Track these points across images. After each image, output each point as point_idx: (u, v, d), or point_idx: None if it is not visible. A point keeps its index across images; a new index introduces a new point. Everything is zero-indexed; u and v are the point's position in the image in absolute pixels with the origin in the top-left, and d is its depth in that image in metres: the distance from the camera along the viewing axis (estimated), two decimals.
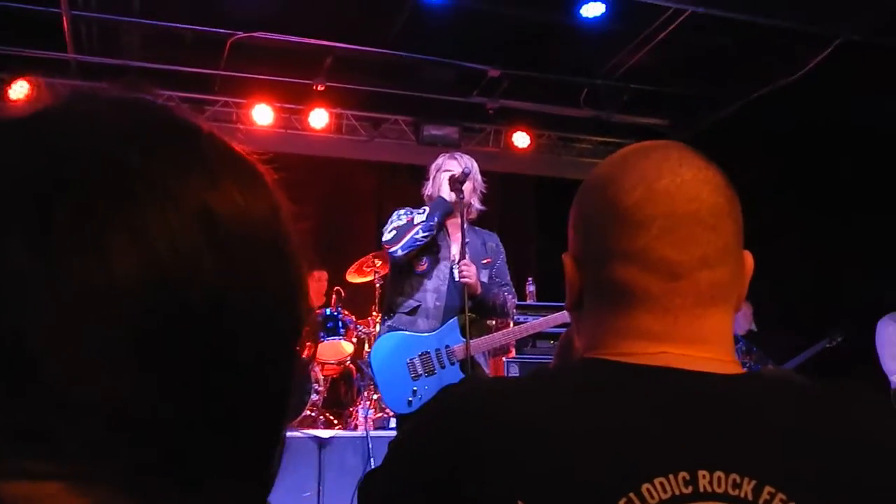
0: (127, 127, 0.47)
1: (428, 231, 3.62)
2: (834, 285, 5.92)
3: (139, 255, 0.42)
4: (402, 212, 3.78)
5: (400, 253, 3.63)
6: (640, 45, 5.98)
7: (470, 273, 3.52)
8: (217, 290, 0.44)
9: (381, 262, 5.53)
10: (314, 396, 5.30)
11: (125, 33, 5.95)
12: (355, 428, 5.03)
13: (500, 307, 3.77)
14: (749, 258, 0.91)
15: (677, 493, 0.72)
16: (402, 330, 3.70)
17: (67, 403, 0.40)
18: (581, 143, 7.94)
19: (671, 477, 0.73)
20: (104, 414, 0.41)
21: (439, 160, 3.82)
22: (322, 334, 5.50)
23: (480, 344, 3.70)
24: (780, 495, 0.73)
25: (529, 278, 5.91)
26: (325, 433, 4.49)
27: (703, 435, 0.76)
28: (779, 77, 6.09)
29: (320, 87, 6.53)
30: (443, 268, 3.71)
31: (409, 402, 3.59)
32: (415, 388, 3.60)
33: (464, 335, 3.56)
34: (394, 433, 4.45)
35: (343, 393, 6.07)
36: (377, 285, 5.70)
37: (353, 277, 5.84)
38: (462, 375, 3.57)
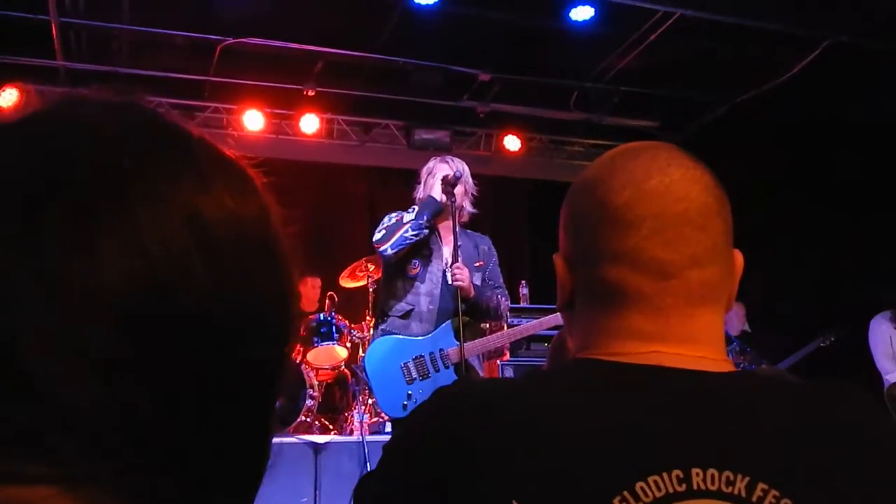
0: (118, 130, 0.47)
1: (417, 229, 3.61)
2: (825, 285, 5.95)
3: (130, 257, 0.42)
4: (393, 215, 3.78)
5: (390, 251, 3.62)
6: (630, 48, 6.01)
7: (462, 276, 3.52)
8: (207, 293, 0.45)
9: (374, 267, 5.52)
10: (309, 402, 5.29)
11: (114, 40, 5.94)
12: (351, 433, 5.02)
13: (493, 310, 3.77)
14: (739, 257, 0.91)
15: (671, 490, 0.72)
16: (396, 334, 3.70)
17: (58, 406, 0.40)
18: (572, 145, 7.96)
19: (665, 475, 0.73)
20: (95, 416, 0.41)
21: (430, 164, 3.83)
22: (316, 339, 5.49)
23: (475, 347, 3.70)
24: (774, 492, 0.73)
25: (523, 281, 5.92)
26: (320, 438, 4.48)
27: (697, 433, 0.77)
28: (767, 79, 6.12)
29: (311, 93, 6.53)
30: (435, 271, 3.71)
31: (405, 406, 3.58)
32: (409, 392, 3.60)
33: (458, 338, 3.56)
34: (391, 436, 4.45)
35: (338, 398, 6.06)
36: (370, 290, 5.69)
37: (346, 282, 5.83)
38: (457, 378, 3.57)
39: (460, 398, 0.84)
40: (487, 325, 4.31)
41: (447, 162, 3.77)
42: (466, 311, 3.62)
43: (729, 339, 5.71)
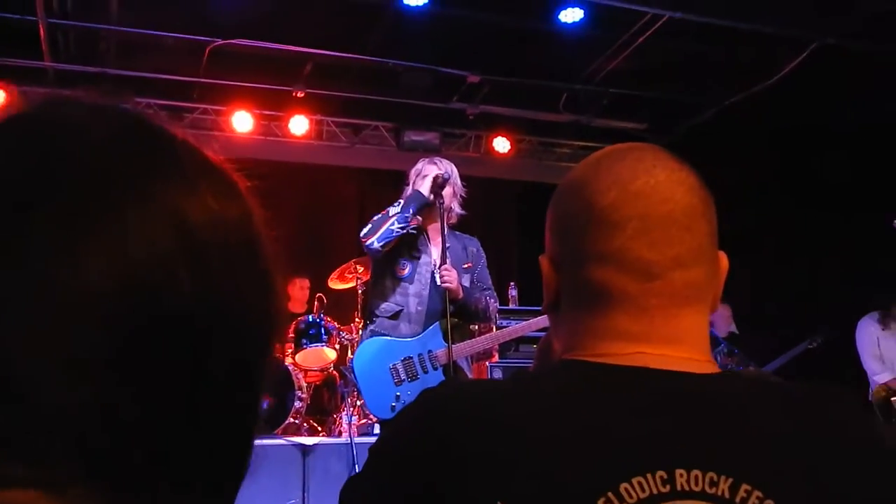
0: (102, 132, 0.47)
1: (404, 222, 3.60)
2: (813, 287, 5.98)
3: (115, 259, 0.42)
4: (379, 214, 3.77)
5: (377, 245, 3.61)
6: (619, 51, 6.03)
7: (451, 278, 3.52)
8: (191, 295, 0.45)
9: (362, 269, 5.52)
10: (297, 404, 5.28)
11: (103, 40, 5.92)
12: (339, 435, 5.01)
13: (482, 311, 3.77)
14: (724, 259, 0.92)
15: (655, 492, 0.73)
16: (385, 335, 3.69)
17: (42, 408, 0.40)
18: (561, 147, 7.98)
19: (649, 476, 0.73)
20: (79, 418, 0.41)
21: (419, 165, 3.83)
22: (305, 341, 5.48)
23: (463, 348, 3.70)
24: (757, 493, 0.73)
25: (512, 282, 5.93)
26: (309, 440, 4.47)
27: (681, 434, 0.77)
28: (755, 81, 6.15)
29: (300, 94, 6.52)
30: (424, 272, 3.71)
31: (393, 408, 3.58)
32: (398, 394, 3.60)
33: (446, 340, 3.56)
34: (377, 438, 4.44)
35: (326, 400, 6.05)
36: (359, 291, 5.68)
37: (335, 284, 5.82)
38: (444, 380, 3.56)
39: (446, 400, 0.84)
40: (476, 327, 4.31)
41: (436, 163, 3.77)
42: (455, 313, 3.61)
43: (717, 341, 5.73)
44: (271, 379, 0.53)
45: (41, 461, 0.40)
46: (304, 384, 5.47)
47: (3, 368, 0.40)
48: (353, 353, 4.83)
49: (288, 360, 5.50)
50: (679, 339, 0.85)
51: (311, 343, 5.50)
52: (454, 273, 3.56)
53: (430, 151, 6.80)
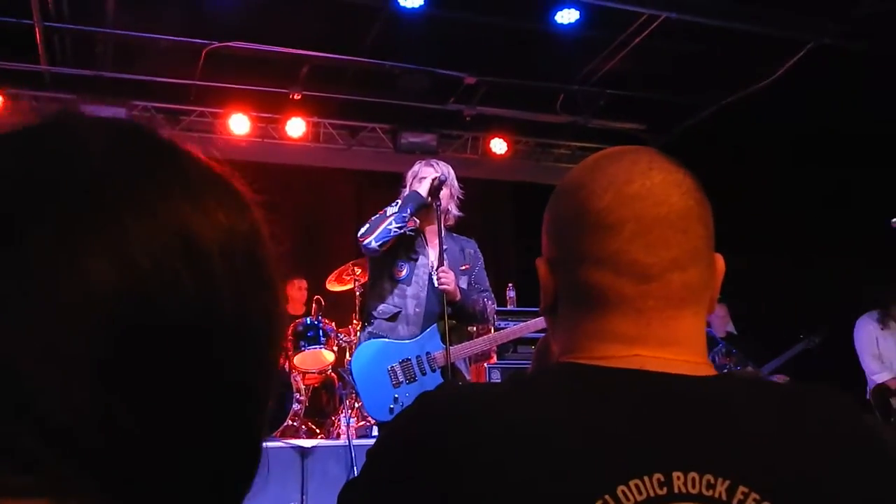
0: (110, 146, 0.48)
1: (401, 222, 3.60)
2: (811, 287, 5.98)
3: (117, 270, 0.42)
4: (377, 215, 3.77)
5: (374, 245, 3.61)
6: (616, 51, 6.04)
7: (448, 280, 3.52)
8: (195, 306, 0.45)
9: (360, 271, 5.51)
10: (296, 406, 5.27)
11: (99, 44, 5.91)
12: (338, 437, 5.01)
13: (479, 313, 3.77)
14: (720, 261, 0.92)
15: (652, 494, 0.73)
16: (383, 337, 3.69)
17: (44, 417, 0.40)
18: (558, 148, 7.98)
19: (646, 478, 0.73)
20: (81, 427, 0.41)
21: (416, 167, 3.83)
22: (303, 343, 5.48)
23: (461, 350, 3.70)
24: (754, 495, 0.73)
25: (510, 284, 5.93)
26: (307, 443, 4.47)
27: (678, 436, 0.77)
28: (752, 82, 6.16)
29: (297, 96, 6.52)
30: (422, 274, 3.71)
31: (391, 410, 3.57)
32: (396, 396, 3.60)
33: (444, 342, 3.56)
34: (374, 441, 4.44)
35: (325, 402, 6.05)
36: (357, 293, 5.68)
37: (332, 286, 5.82)
38: (443, 382, 3.57)
39: (444, 403, 0.84)
40: (474, 329, 4.31)
41: (432, 165, 3.77)
42: (453, 315, 3.61)
43: (715, 341, 5.74)
44: (276, 388, 0.53)
45: (44, 470, 0.40)
46: (303, 386, 5.47)
47: (5, 376, 0.40)
48: (351, 356, 4.84)
49: (286, 363, 5.49)
50: (676, 341, 0.85)
51: (309, 345, 5.50)
52: (451, 275, 3.56)
53: (427, 153, 6.81)
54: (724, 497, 0.73)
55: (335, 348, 5.65)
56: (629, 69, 6.29)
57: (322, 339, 5.57)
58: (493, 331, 4.32)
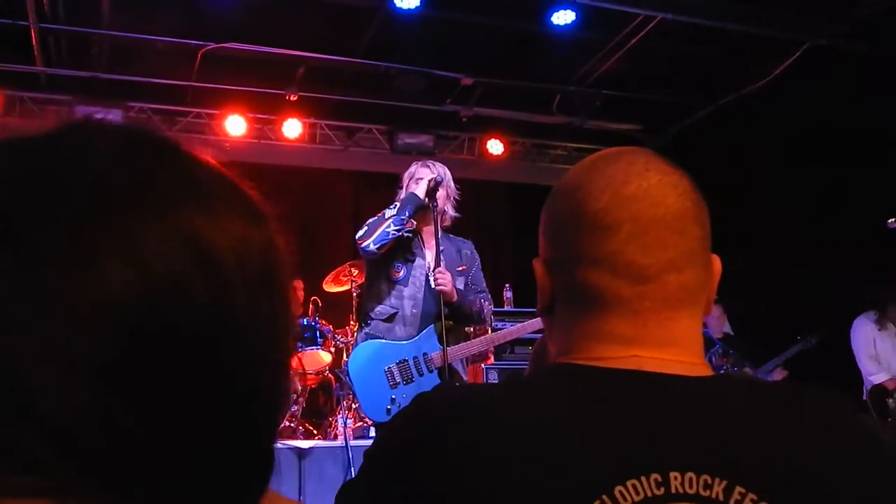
0: (122, 152, 0.48)
1: (400, 225, 3.61)
2: (808, 287, 5.99)
3: (128, 271, 0.43)
4: (375, 217, 3.78)
5: (373, 247, 3.61)
6: (612, 52, 6.04)
7: (445, 280, 3.52)
8: (208, 313, 0.45)
9: (357, 272, 5.51)
10: (293, 407, 5.27)
11: (95, 45, 5.90)
12: (335, 438, 5.00)
13: (476, 314, 3.77)
14: (717, 262, 0.92)
15: (649, 494, 0.73)
16: (380, 338, 3.69)
17: (49, 419, 0.40)
18: (555, 149, 7.99)
19: (643, 479, 0.73)
20: (86, 429, 0.41)
21: (412, 168, 3.83)
22: (300, 344, 5.48)
23: (458, 351, 3.70)
24: (751, 495, 0.74)
25: (507, 284, 5.93)
26: (304, 444, 4.46)
27: (675, 437, 0.77)
28: (748, 82, 6.17)
29: (293, 97, 6.52)
30: (418, 275, 3.71)
31: (388, 411, 3.58)
32: (393, 397, 3.60)
33: (441, 342, 3.56)
34: (372, 442, 4.43)
35: (322, 403, 6.05)
36: (354, 294, 5.68)
37: (329, 287, 5.82)
38: (440, 383, 3.57)
39: (441, 404, 0.85)
40: (471, 330, 4.31)
41: (429, 166, 3.77)
42: (450, 316, 3.62)
43: (711, 342, 5.74)
44: (288, 396, 0.54)
45: (48, 471, 0.40)
46: (300, 387, 5.47)
47: (9, 377, 0.40)
48: (348, 356, 4.84)
49: None
50: (673, 342, 0.86)
51: (306, 346, 5.50)
52: (448, 276, 3.56)
53: (423, 154, 6.82)
54: (721, 497, 0.73)
55: (332, 349, 5.65)
56: (625, 70, 6.29)
57: (319, 339, 5.57)
58: (490, 331, 4.33)
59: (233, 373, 0.47)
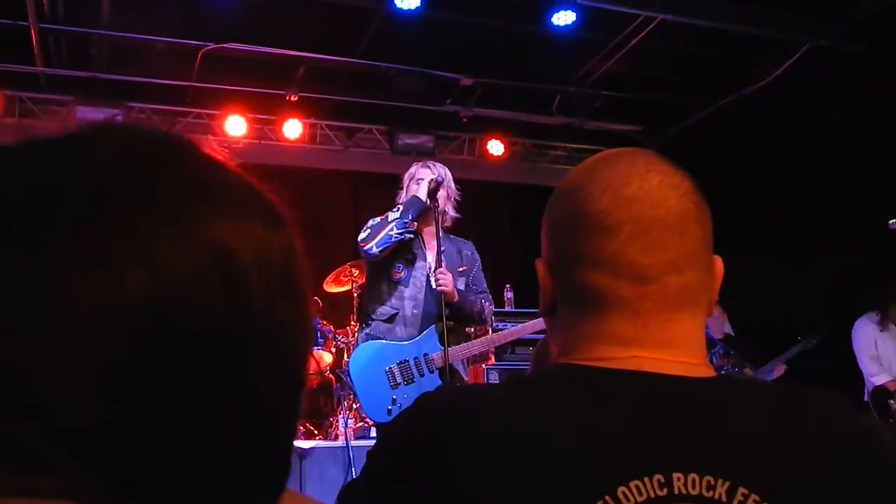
0: (140, 156, 0.48)
1: (402, 228, 3.61)
2: (808, 287, 5.99)
3: (143, 279, 0.42)
4: (377, 218, 3.78)
5: (375, 250, 3.61)
6: (612, 53, 6.04)
7: (446, 281, 3.52)
8: (226, 318, 0.45)
9: (358, 272, 5.51)
10: None
11: (95, 45, 5.90)
12: (336, 438, 5.00)
13: (477, 314, 3.78)
14: (719, 263, 0.92)
15: (652, 495, 0.73)
16: (381, 338, 3.70)
17: (66, 421, 0.40)
18: (555, 150, 7.99)
19: (646, 480, 0.73)
20: (103, 433, 0.41)
21: (412, 169, 3.83)
22: None
23: (459, 351, 3.71)
24: (754, 496, 0.74)
25: (507, 285, 5.93)
26: (305, 444, 4.46)
27: (677, 438, 0.77)
28: (748, 83, 6.17)
29: (293, 98, 6.52)
30: (419, 276, 3.71)
31: (389, 411, 3.58)
32: (394, 397, 3.60)
33: (442, 343, 3.56)
34: (374, 442, 4.44)
35: (323, 403, 6.04)
36: (355, 295, 5.68)
37: (330, 287, 5.82)
38: (441, 383, 3.57)
39: (443, 404, 0.85)
40: (472, 330, 4.31)
41: (429, 167, 3.78)
42: (450, 316, 3.62)
43: (712, 342, 5.74)
44: (306, 403, 0.54)
45: (64, 473, 0.40)
46: None
47: (27, 381, 0.40)
48: (349, 357, 4.84)
49: None
50: (674, 343, 0.86)
51: None
52: (449, 276, 3.56)
53: (423, 154, 6.82)
54: (724, 498, 0.73)
55: (333, 349, 5.65)
56: (626, 71, 6.29)
57: (320, 340, 5.57)
58: (490, 332, 4.33)
59: (246, 378, 0.46)
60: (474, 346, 3.83)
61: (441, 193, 3.66)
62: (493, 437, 0.77)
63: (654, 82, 6.59)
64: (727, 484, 0.74)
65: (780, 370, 5.85)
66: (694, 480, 0.74)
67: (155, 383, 0.43)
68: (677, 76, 6.44)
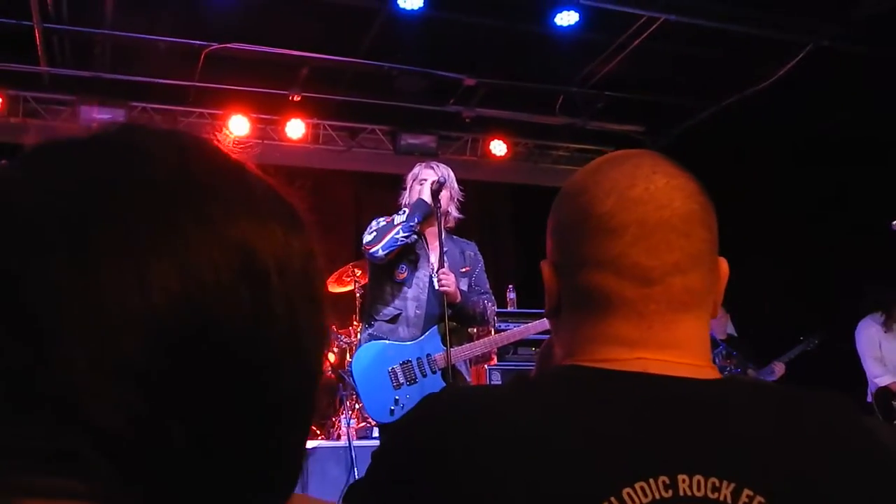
0: (172, 158, 0.48)
1: (408, 231, 3.62)
2: (811, 288, 5.99)
3: (178, 282, 0.43)
4: (381, 219, 3.78)
5: (381, 253, 3.62)
6: (614, 53, 6.04)
7: (448, 281, 3.53)
8: (251, 321, 0.45)
9: (360, 272, 5.51)
10: None
11: (98, 45, 5.91)
12: (338, 438, 5.01)
13: (479, 315, 3.77)
14: (724, 265, 0.92)
15: (657, 497, 0.73)
16: (383, 338, 3.70)
17: (96, 424, 0.41)
18: (557, 150, 7.98)
19: (651, 481, 0.73)
20: (131, 436, 0.41)
21: (415, 169, 3.84)
22: None
23: (461, 352, 3.70)
24: (759, 498, 0.74)
25: (510, 285, 5.92)
26: (307, 444, 4.46)
27: (682, 439, 0.77)
28: (750, 84, 6.16)
29: (296, 98, 6.52)
30: (422, 276, 3.71)
31: (392, 412, 3.58)
32: (397, 397, 3.60)
33: (444, 344, 3.56)
34: (376, 443, 4.44)
35: (325, 403, 6.04)
36: (357, 295, 5.68)
37: (332, 287, 5.82)
38: (443, 384, 3.57)
39: (448, 406, 0.85)
40: (475, 331, 4.31)
41: (432, 167, 3.78)
42: (453, 317, 3.62)
43: (715, 343, 5.74)
44: (321, 402, 0.54)
45: (93, 476, 0.41)
46: None
47: (56, 380, 0.40)
48: (351, 357, 4.84)
49: None
50: (678, 344, 0.86)
51: None
52: (451, 277, 3.57)
53: (426, 155, 6.82)
54: (729, 500, 0.74)
55: (335, 349, 5.65)
56: (628, 71, 6.29)
57: None
58: (493, 333, 4.33)
59: (268, 381, 0.47)
60: (477, 347, 3.83)
61: (444, 194, 3.66)
62: (497, 439, 0.77)
63: (656, 83, 6.59)
64: (732, 485, 0.74)
65: (780, 370, 5.85)
66: (699, 482, 0.74)
67: (185, 385, 0.43)
68: (680, 77, 6.43)
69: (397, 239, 3.60)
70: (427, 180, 3.70)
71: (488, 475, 0.75)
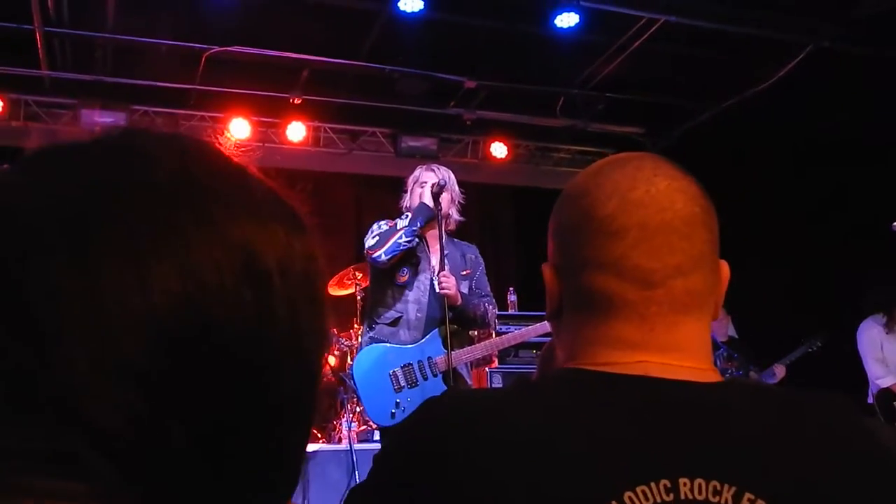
0: (174, 160, 0.49)
1: (411, 236, 3.62)
2: (812, 289, 5.98)
3: (179, 283, 0.43)
4: (382, 222, 3.78)
5: (384, 258, 3.62)
6: (615, 55, 6.04)
7: (449, 284, 3.53)
8: (252, 322, 0.46)
9: (361, 275, 5.51)
10: None
11: (99, 48, 5.92)
12: (339, 441, 5.01)
13: (480, 318, 3.77)
14: (725, 267, 0.92)
15: (659, 500, 0.73)
16: (384, 341, 3.70)
17: (97, 425, 0.41)
18: (558, 152, 7.99)
19: (653, 485, 0.73)
20: (132, 437, 0.41)
21: (416, 172, 3.84)
22: None
23: (462, 355, 3.70)
24: (760, 501, 0.74)
25: (510, 288, 5.92)
26: (308, 447, 4.46)
27: (684, 443, 0.77)
28: (751, 85, 6.16)
29: (297, 101, 6.53)
30: (423, 279, 3.71)
31: (393, 415, 3.58)
32: (398, 401, 3.60)
33: (445, 346, 3.56)
34: (377, 446, 4.44)
35: (326, 406, 6.04)
36: (358, 297, 5.68)
37: (333, 290, 5.82)
38: (444, 387, 3.57)
39: (449, 409, 0.85)
40: (475, 333, 4.31)
41: (433, 170, 3.78)
42: (454, 320, 3.62)
43: (716, 345, 5.73)
44: (321, 403, 0.54)
45: (94, 478, 0.41)
46: None
47: (57, 380, 0.40)
48: (352, 360, 4.84)
49: None
50: (680, 347, 0.86)
51: None
52: (452, 280, 3.57)
53: (427, 157, 6.82)
54: (730, 503, 0.74)
55: (336, 352, 5.65)
56: (628, 73, 6.29)
57: None
58: (494, 335, 4.32)
59: (269, 382, 0.47)
60: (478, 350, 3.83)
61: (445, 197, 3.66)
62: (499, 442, 0.77)
63: (657, 84, 6.59)
64: (733, 489, 0.74)
65: (781, 372, 5.84)
66: (700, 486, 0.74)
67: (186, 386, 0.43)
68: (680, 78, 6.44)
69: (400, 244, 3.60)
70: (428, 183, 3.70)
71: (489, 478, 0.75)
